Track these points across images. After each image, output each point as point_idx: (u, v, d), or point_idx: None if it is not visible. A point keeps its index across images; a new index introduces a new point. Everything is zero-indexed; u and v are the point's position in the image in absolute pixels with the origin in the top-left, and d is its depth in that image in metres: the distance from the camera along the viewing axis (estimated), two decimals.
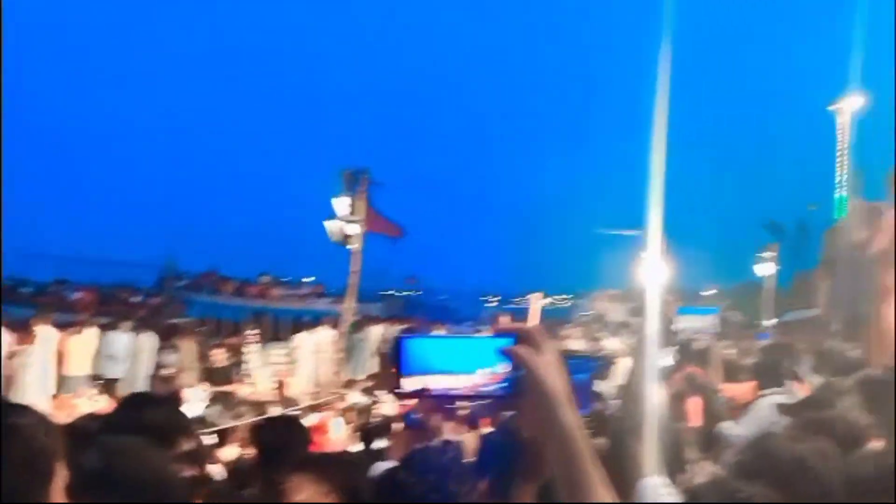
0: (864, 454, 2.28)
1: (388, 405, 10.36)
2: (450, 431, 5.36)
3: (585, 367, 2.30)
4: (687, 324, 12.22)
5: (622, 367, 8.10)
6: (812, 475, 2.15)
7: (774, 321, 20.79)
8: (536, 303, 14.29)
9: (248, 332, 15.84)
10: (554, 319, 28.82)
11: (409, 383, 1.36)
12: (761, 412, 4.58)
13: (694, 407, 5.93)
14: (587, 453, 1.24)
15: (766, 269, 20.38)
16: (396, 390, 1.36)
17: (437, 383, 1.35)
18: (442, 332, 16.38)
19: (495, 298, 46.02)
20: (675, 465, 2.56)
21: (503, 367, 1.31)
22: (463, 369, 1.34)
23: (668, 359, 7.91)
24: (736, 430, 4.62)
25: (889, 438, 3.46)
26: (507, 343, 1.30)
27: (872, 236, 6.84)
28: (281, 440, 3.33)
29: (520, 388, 1.29)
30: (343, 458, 3.52)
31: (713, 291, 33.66)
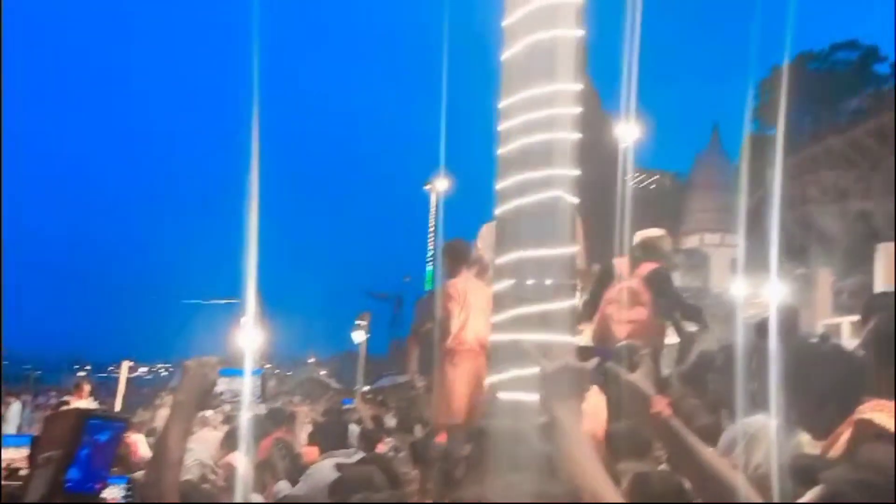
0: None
1: None
2: None
3: (108, 428, 2.26)
4: (228, 386, 11.94)
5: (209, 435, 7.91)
6: None
7: (366, 387, 22.01)
8: (124, 371, 13.81)
9: None
10: (152, 387, 27.71)
11: None
12: (320, 471, 4.87)
13: (275, 474, 6.07)
14: None
15: (358, 336, 21.60)
16: None
17: None
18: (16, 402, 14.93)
19: (87, 367, 42.79)
20: None
21: None
22: None
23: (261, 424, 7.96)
24: (292, 490, 4.86)
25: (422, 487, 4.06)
26: None
27: (438, 307, 7.67)
28: None
29: None
30: None
31: (313, 360, 34.68)
